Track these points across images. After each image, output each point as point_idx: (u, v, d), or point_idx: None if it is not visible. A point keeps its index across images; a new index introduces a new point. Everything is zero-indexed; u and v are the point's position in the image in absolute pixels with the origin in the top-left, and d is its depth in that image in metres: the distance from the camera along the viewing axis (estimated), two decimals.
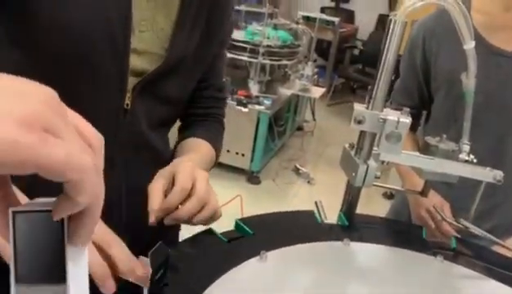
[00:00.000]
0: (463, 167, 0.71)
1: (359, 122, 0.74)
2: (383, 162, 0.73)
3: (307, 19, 4.55)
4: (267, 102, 3.20)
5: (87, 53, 0.63)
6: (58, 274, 0.30)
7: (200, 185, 0.64)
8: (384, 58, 0.72)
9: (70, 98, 0.31)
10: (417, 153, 0.75)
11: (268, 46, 3.32)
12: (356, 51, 5.94)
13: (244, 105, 3.12)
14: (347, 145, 0.82)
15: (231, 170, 3.36)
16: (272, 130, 3.54)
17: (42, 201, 0.30)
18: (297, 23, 3.91)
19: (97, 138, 0.30)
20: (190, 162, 0.69)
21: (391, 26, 0.71)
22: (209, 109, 0.89)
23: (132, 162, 0.72)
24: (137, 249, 0.55)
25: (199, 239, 0.68)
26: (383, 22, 5.41)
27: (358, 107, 0.75)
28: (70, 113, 0.29)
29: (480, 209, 1.15)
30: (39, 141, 0.26)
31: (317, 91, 3.72)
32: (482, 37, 1.09)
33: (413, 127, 1.30)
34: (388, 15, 1.12)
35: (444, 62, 1.14)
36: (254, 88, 3.31)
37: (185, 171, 0.65)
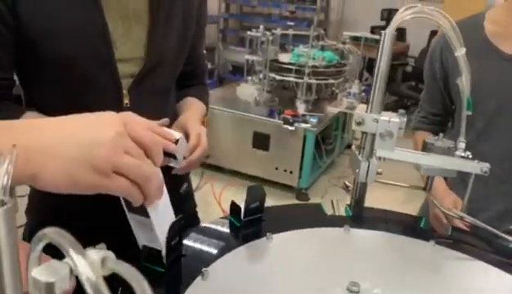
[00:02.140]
0: (453, 161, 0.78)
1: (359, 124, 0.84)
2: (380, 158, 0.82)
3: (355, 39, 4.61)
4: (313, 120, 3.29)
5: (84, 72, 0.82)
6: (145, 213, 0.56)
7: (204, 139, 0.89)
8: (377, 66, 0.82)
9: (80, 107, 0.47)
10: (409, 150, 0.83)
11: (314, 66, 3.43)
12: (408, 69, 5.90)
13: (291, 124, 3.23)
14: (353, 147, 0.92)
15: (280, 187, 3.46)
16: (320, 147, 3.61)
17: None
18: (343, 43, 4.00)
19: (154, 142, 0.49)
20: (192, 119, 0.92)
21: (382, 38, 0.81)
22: (194, 81, 1.12)
23: None
24: None
25: (216, 222, 0.80)
26: None
27: (358, 111, 0.85)
28: (138, 129, 0.48)
29: (502, 209, 1.19)
30: (109, 181, 0.43)
31: (365, 109, 3.76)
32: (494, 46, 1.15)
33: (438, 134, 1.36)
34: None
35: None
36: (301, 107, 3.43)
37: (193, 130, 0.89)
